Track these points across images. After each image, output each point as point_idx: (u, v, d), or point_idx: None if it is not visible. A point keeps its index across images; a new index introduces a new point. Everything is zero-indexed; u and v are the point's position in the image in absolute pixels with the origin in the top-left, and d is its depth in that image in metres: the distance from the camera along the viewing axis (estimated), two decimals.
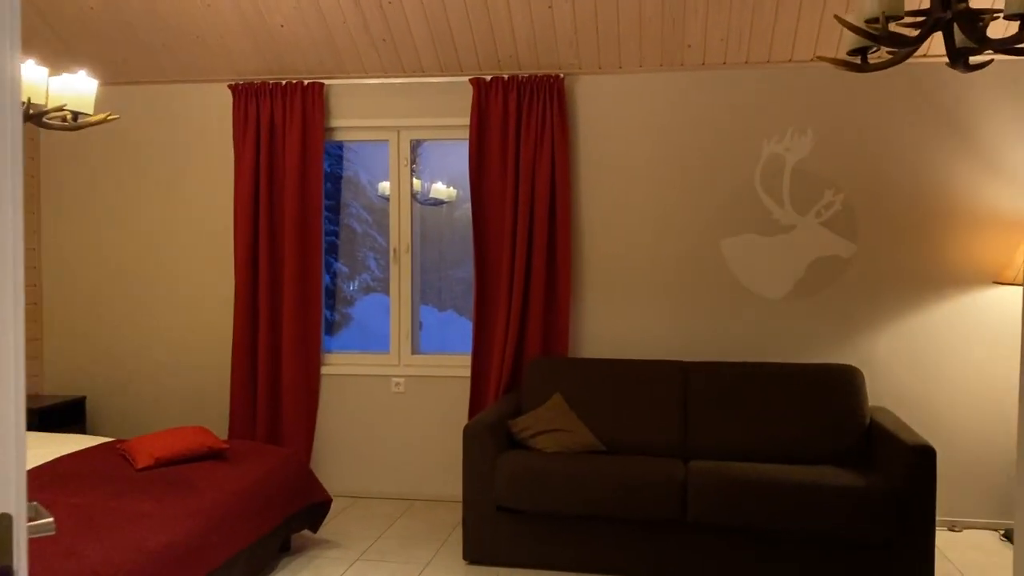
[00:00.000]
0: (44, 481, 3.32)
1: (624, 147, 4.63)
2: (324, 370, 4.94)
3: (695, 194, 4.57)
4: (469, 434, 3.86)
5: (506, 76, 4.61)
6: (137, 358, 5.09)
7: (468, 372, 4.77)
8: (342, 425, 4.95)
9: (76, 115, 2.70)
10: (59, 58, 4.88)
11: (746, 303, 4.55)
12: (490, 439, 3.87)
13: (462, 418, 4.81)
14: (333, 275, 5.51)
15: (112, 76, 5.00)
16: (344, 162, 5.39)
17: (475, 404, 4.72)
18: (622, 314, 4.66)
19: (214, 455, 3.69)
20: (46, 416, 4.63)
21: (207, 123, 4.98)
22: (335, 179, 5.35)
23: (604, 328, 4.68)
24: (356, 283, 5.94)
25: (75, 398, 4.85)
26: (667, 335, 4.62)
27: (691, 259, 4.59)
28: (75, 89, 2.64)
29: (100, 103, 5.05)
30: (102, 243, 5.10)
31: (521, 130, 4.60)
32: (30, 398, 4.81)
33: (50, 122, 2.72)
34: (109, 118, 2.85)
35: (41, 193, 5.14)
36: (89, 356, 5.13)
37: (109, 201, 5.08)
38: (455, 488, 4.83)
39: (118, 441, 3.95)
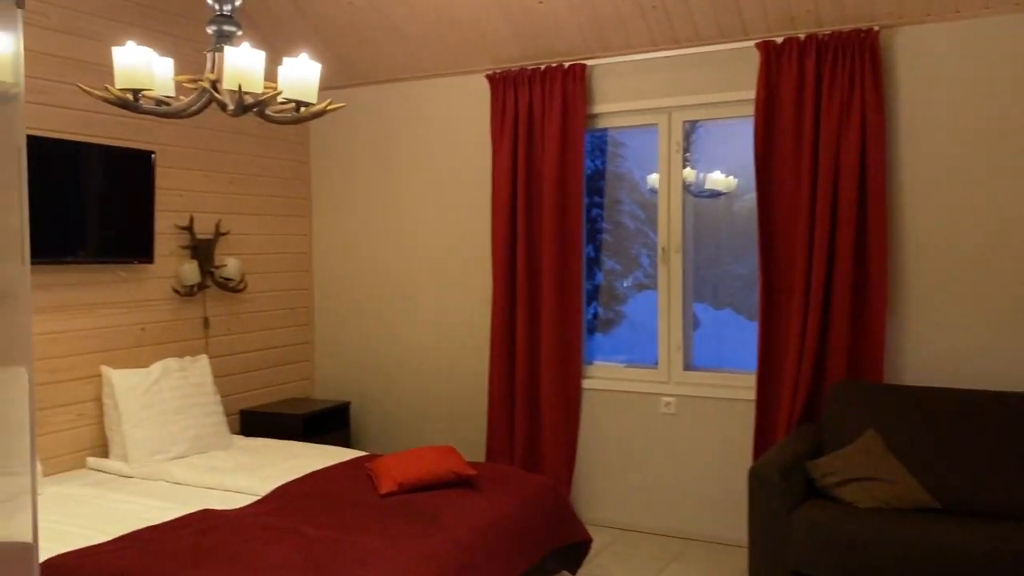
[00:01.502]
0: (287, 502, 3.13)
1: (962, 116, 3.60)
2: (585, 383, 4.43)
3: None
4: (757, 478, 3.13)
5: (802, 36, 3.78)
6: (398, 364, 4.94)
7: (752, 394, 4.01)
8: (603, 446, 4.41)
9: (299, 105, 2.39)
10: (323, 60, 4.83)
11: None
12: (783, 486, 3.12)
13: (744, 447, 4.06)
14: (605, 273, 5.07)
15: (371, 74, 4.87)
16: (617, 158, 4.83)
17: (761, 434, 3.95)
18: (960, 328, 3.63)
19: (461, 483, 3.31)
20: (312, 422, 4.58)
21: (465, 117, 4.67)
22: (604, 174, 4.81)
23: (934, 346, 3.68)
24: (629, 281, 5.47)
25: (340, 403, 4.78)
26: (1019, 356, 3.53)
27: None
28: (295, 76, 2.33)
29: (360, 102, 4.94)
30: (366, 245, 5.00)
31: (821, 102, 3.75)
32: (299, 402, 4.82)
33: (272, 115, 2.44)
34: (329, 107, 2.51)
35: (312, 197, 5.15)
36: (355, 360, 5.06)
37: (371, 203, 4.97)
38: (737, 530, 4.09)
39: (368, 458, 3.72)
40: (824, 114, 3.74)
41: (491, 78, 4.47)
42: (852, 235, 3.69)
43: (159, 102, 2.42)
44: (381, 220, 4.95)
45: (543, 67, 4.35)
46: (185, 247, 4.29)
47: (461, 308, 4.74)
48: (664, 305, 4.31)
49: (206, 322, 4.41)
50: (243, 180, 4.66)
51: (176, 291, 4.23)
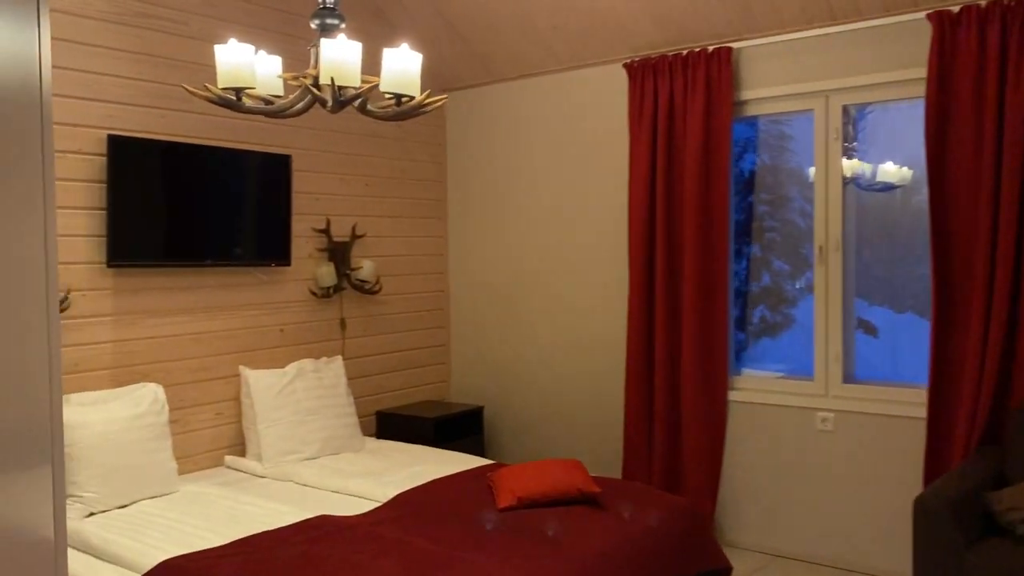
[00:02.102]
0: (404, 510, 3.04)
1: None
2: (732, 395, 4.09)
3: None
4: (924, 510, 2.72)
5: (983, 2, 3.29)
6: (533, 369, 4.78)
7: (923, 412, 3.53)
8: (752, 464, 4.04)
9: (399, 99, 2.27)
10: (459, 58, 4.75)
11: None
12: (955, 521, 2.69)
13: (912, 472, 3.58)
14: (773, 274, 4.74)
15: (507, 70, 4.73)
16: (785, 152, 4.45)
17: (933, 457, 3.47)
18: None
19: (586, 500, 3.09)
20: (445, 426, 4.51)
21: (603, 110, 4.45)
22: (771, 169, 4.44)
23: None
24: (801, 282, 5.10)
25: (473, 408, 4.68)
26: None
27: None
28: (395, 68, 2.21)
29: (497, 100, 4.82)
30: (501, 247, 4.88)
31: (1007, 78, 3.24)
32: (433, 405, 4.76)
33: (374, 110, 2.33)
34: (429, 100, 2.37)
35: (448, 198, 5.09)
36: (489, 365, 4.95)
37: (507, 203, 4.84)
38: (901, 562, 3.61)
39: (492, 467, 3.58)
40: (1010, 94, 3.22)
41: (629, 67, 4.22)
42: None
43: (265, 101, 2.38)
44: (516, 221, 4.81)
45: (685, 52, 4.05)
46: (322, 250, 4.32)
47: (597, 312, 4.51)
48: (821, 310, 3.90)
49: (342, 324, 4.44)
50: (379, 183, 4.66)
51: (313, 293, 4.27)
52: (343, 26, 2.34)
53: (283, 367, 4.01)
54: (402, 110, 2.29)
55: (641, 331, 4.19)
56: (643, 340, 4.20)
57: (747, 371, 4.22)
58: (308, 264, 4.27)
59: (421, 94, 2.37)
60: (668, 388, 4.13)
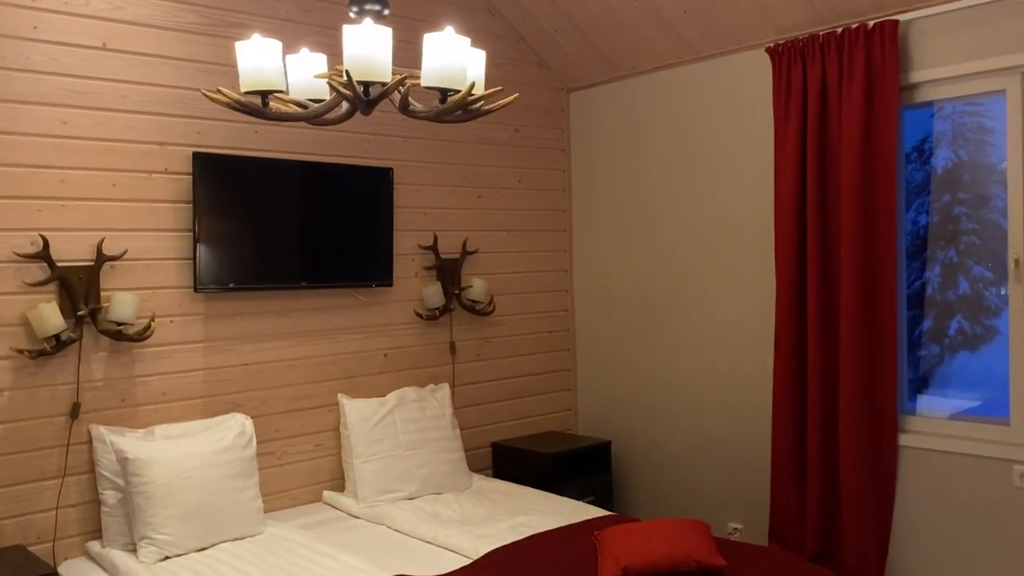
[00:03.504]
0: (492, 574, 2.61)
1: None
2: (903, 440, 3.38)
3: None
4: None
5: None
6: (666, 399, 4.23)
7: None
8: (929, 525, 3.31)
9: (444, 95, 1.86)
10: (581, 54, 4.30)
11: None
12: None
13: None
14: (972, 281, 4.05)
15: (634, 65, 4.23)
16: (986, 146, 3.71)
17: None
18: None
19: (705, 574, 2.55)
20: (565, 462, 4.06)
21: (742, 104, 3.85)
22: (972, 166, 3.71)
23: None
24: (1004, 289, 4.35)
25: (599, 443, 4.20)
26: None
27: None
28: (438, 57, 1.80)
29: (624, 98, 4.33)
30: (632, 261, 4.37)
31: None
32: (555, 438, 4.32)
33: (417, 109, 1.93)
34: (478, 96, 1.93)
35: (572, 208, 4.65)
36: (619, 393, 4.45)
37: (638, 213, 4.33)
38: None
39: (603, 522, 3.10)
40: None
41: (773, 51, 3.61)
42: None
43: (302, 107, 2.04)
44: (649, 232, 4.28)
45: (840, 30, 3.40)
46: (429, 268, 4.00)
47: (740, 334, 3.91)
48: (1019, 340, 3.12)
49: (452, 347, 4.10)
50: (493, 194, 4.29)
51: (419, 315, 3.95)
52: (386, 13, 1.96)
53: (384, 396, 3.72)
54: (446, 108, 1.88)
55: (790, 360, 3.56)
56: (793, 370, 3.56)
57: (925, 408, 3.49)
58: (414, 284, 3.96)
59: (488, 90, 1.94)
60: (823, 429, 3.47)
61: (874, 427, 3.37)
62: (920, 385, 4.31)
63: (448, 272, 4.04)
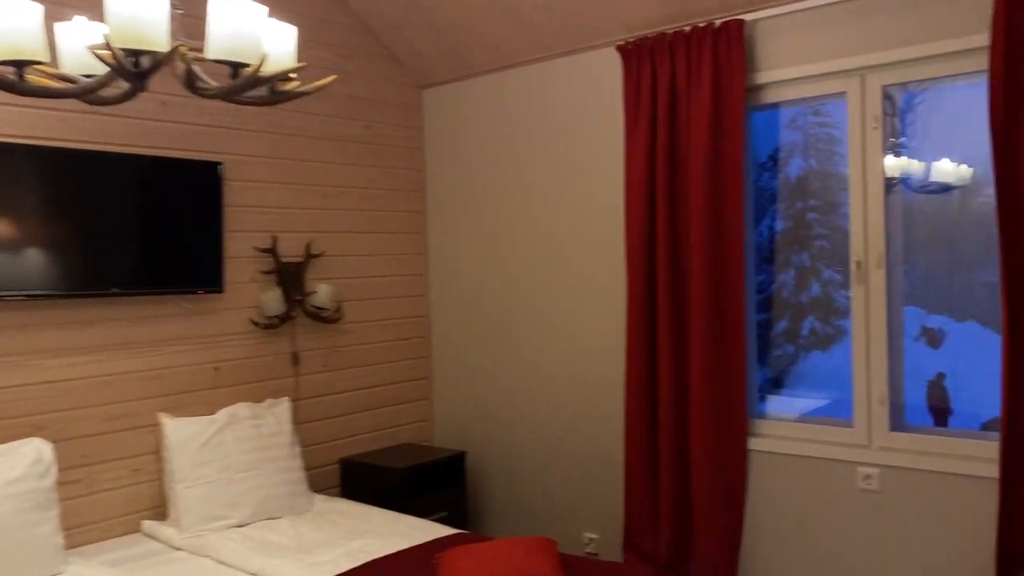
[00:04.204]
0: None
1: None
2: (753, 443, 3.35)
3: None
4: None
5: None
6: (523, 406, 4.09)
7: (995, 470, 2.76)
8: (778, 528, 3.29)
9: (236, 69, 1.62)
10: (434, 50, 4.11)
11: None
12: None
13: (983, 548, 2.81)
14: (823, 284, 4.20)
15: (487, 62, 4.07)
16: (834, 156, 3.76)
17: (1009, 531, 2.70)
18: None
19: None
20: (419, 476, 3.85)
21: (595, 103, 3.76)
22: (823, 175, 3.76)
23: None
24: (850, 292, 4.56)
25: (453, 455, 4.00)
26: None
27: None
28: (225, 26, 1.56)
29: (478, 95, 4.17)
30: (490, 262, 4.21)
31: None
32: (408, 451, 4.10)
33: (205, 86, 1.69)
34: (285, 78, 1.72)
35: (428, 209, 4.44)
36: (477, 401, 4.27)
37: (497, 213, 4.17)
38: None
39: (447, 541, 2.91)
40: None
41: (623, 50, 3.53)
42: None
43: (72, 81, 1.75)
44: (508, 234, 4.13)
45: (688, 29, 3.35)
46: (267, 272, 3.71)
47: (595, 338, 3.81)
48: (860, 343, 3.14)
49: (295, 358, 3.81)
50: (342, 194, 4.03)
51: (256, 323, 3.65)
52: None
53: (214, 413, 3.39)
54: (237, 84, 1.64)
55: (641, 368, 3.48)
56: (645, 379, 3.48)
57: (777, 410, 3.49)
58: (250, 290, 3.65)
59: (289, 66, 1.71)
60: (675, 437, 3.41)
61: (725, 432, 3.33)
62: (776, 385, 4.42)
63: (290, 277, 3.75)
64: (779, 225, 4.05)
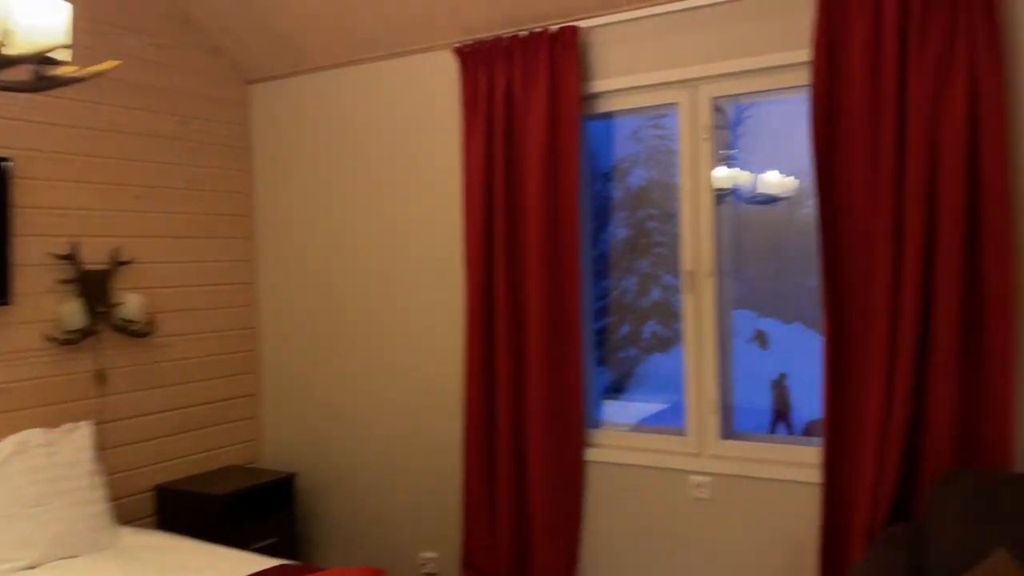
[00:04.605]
0: None
1: None
2: (590, 454, 3.31)
3: None
4: None
5: None
6: (358, 423, 3.89)
7: (818, 476, 2.84)
8: (614, 539, 3.27)
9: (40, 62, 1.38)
10: (263, 43, 3.85)
11: None
12: None
13: (807, 552, 2.88)
14: (662, 289, 4.38)
15: (321, 58, 3.86)
16: (672, 167, 3.79)
17: (832, 536, 2.77)
18: None
19: None
20: (243, 502, 3.57)
21: (431, 106, 3.63)
22: (663, 185, 3.79)
23: None
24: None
25: (282, 477, 3.75)
26: None
27: None
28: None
29: (311, 93, 3.94)
30: (320, 273, 3.98)
31: (908, 59, 2.58)
32: (234, 474, 3.81)
33: None
34: (79, 72, 1.49)
35: (255, 210, 4.16)
36: (310, 418, 4.03)
37: (328, 215, 3.94)
38: None
39: (267, 575, 2.68)
40: (912, 79, 2.57)
41: (461, 52, 3.42)
42: (959, 252, 2.51)
43: None
44: (339, 244, 3.92)
45: (525, 34, 3.27)
46: (67, 282, 3.33)
47: (430, 355, 3.67)
48: (692, 352, 3.16)
49: (100, 377, 3.44)
50: (156, 195, 3.69)
51: (53, 339, 3.27)
52: None
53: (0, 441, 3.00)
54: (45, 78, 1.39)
55: (479, 378, 3.37)
56: (483, 393, 3.38)
57: (615, 418, 3.48)
58: (45, 301, 3.27)
59: (55, 46, 1.47)
60: (513, 451, 3.32)
61: (562, 444, 3.27)
62: (619, 387, 4.49)
63: (94, 286, 3.39)
64: (622, 233, 4.11)
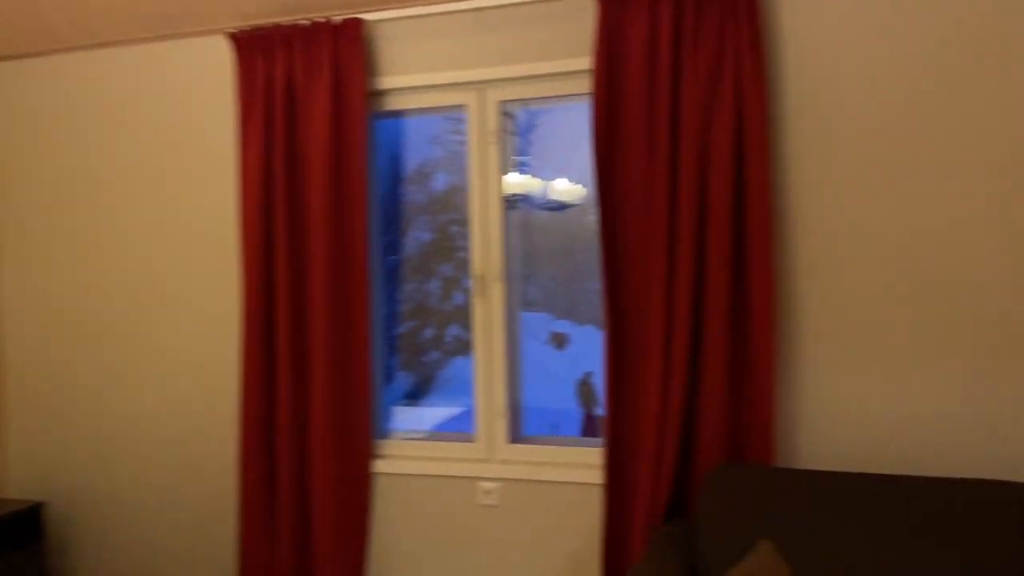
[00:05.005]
0: None
1: (877, 83, 2.60)
2: (378, 466, 3.18)
3: (1014, 168, 2.48)
4: None
5: None
6: (121, 444, 3.51)
7: (601, 477, 2.88)
8: (403, 552, 3.16)
9: None
10: (6, 18, 3.39)
11: None
12: None
13: (593, 554, 2.91)
14: (465, 292, 4.17)
15: (68, 36, 3.45)
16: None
17: (614, 534, 2.82)
18: (880, 386, 2.62)
19: None
20: None
21: (203, 95, 3.35)
22: (463, 190, 3.65)
23: (846, 411, 2.65)
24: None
25: (27, 507, 3.31)
26: (971, 427, 2.55)
27: (1003, 283, 2.50)
28: None
29: (63, 76, 3.52)
30: (76, 278, 3.56)
31: (682, 68, 2.67)
32: None
33: None
34: None
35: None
36: (64, 440, 3.59)
37: (85, 212, 3.54)
38: None
39: None
40: (684, 93, 2.66)
41: (236, 39, 3.18)
42: (728, 262, 2.62)
43: None
44: (96, 246, 3.52)
45: (307, 23, 3.09)
46: None
47: (202, 368, 3.38)
48: (482, 357, 3.12)
49: None
50: None
51: None
52: None
53: None
54: None
55: (257, 393, 3.14)
56: (262, 408, 3.15)
57: (410, 426, 3.36)
58: None
59: None
60: (294, 465, 3.12)
61: (349, 458, 3.12)
62: (422, 392, 4.41)
63: None
64: (425, 237, 4.04)
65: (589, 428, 4.66)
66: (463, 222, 3.88)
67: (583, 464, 2.95)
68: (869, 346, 2.61)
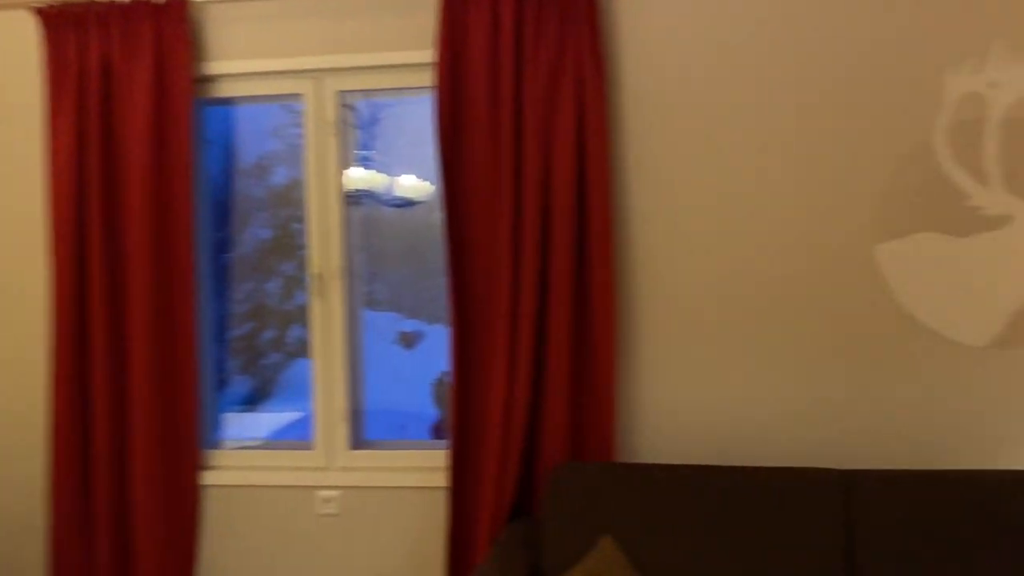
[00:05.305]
0: None
1: (709, 90, 2.67)
2: (208, 478, 2.97)
3: (832, 168, 2.61)
4: None
5: None
6: None
7: (446, 480, 2.81)
8: (234, 570, 2.97)
9: None
10: None
11: (928, 356, 2.59)
12: None
13: (437, 559, 2.84)
14: (307, 292, 4.05)
15: None
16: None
17: (458, 537, 2.75)
18: (713, 380, 2.69)
19: None
20: None
21: (6, 75, 3.02)
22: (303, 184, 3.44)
23: (682, 406, 2.71)
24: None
25: None
26: (797, 419, 2.66)
27: (827, 280, 2.62)
28: None
29: None
30: None
31: (524, 64, 2.65)
32: None
33: None
34: None
35: None
36: None
37: None
38: None
39: None
40: (526, 89, 2.63)
41: (44, 14, 2.88)
42: (570, 262, 2.61)
43: None
44: None
45: (126, 1, 2.84)
46: None
47: (7, 379, 3.06)
48: (321, 359, 2.98)
49: None
50: None
51: None
52: None
53: None
54: None
55: (70, 404, 2.86)
56: (74, 417, 2.87)
57: (238, 438, 3.15)
58: None
59: None
60: (113, 482, 2.86)
61: (174, 471, 2.90)
62: (262, 395, 4.19)
63: None
64: (264, 233, 3.83)
65: (442, 430, 4.59)
66: (303, 218, 3.74)
67: (428, 467, 2.87)
68: (703, 343, 2.67)
